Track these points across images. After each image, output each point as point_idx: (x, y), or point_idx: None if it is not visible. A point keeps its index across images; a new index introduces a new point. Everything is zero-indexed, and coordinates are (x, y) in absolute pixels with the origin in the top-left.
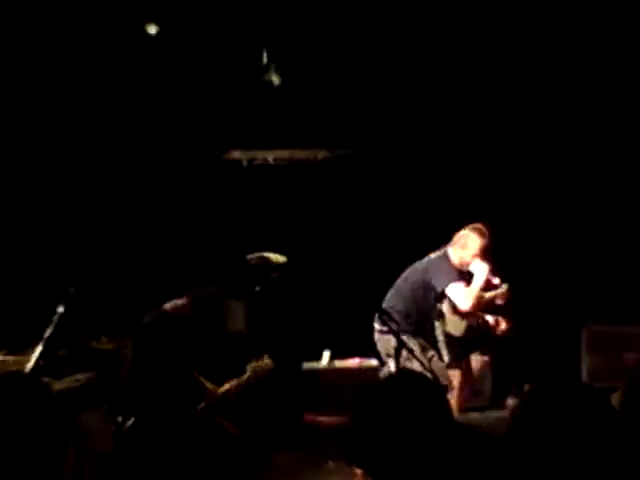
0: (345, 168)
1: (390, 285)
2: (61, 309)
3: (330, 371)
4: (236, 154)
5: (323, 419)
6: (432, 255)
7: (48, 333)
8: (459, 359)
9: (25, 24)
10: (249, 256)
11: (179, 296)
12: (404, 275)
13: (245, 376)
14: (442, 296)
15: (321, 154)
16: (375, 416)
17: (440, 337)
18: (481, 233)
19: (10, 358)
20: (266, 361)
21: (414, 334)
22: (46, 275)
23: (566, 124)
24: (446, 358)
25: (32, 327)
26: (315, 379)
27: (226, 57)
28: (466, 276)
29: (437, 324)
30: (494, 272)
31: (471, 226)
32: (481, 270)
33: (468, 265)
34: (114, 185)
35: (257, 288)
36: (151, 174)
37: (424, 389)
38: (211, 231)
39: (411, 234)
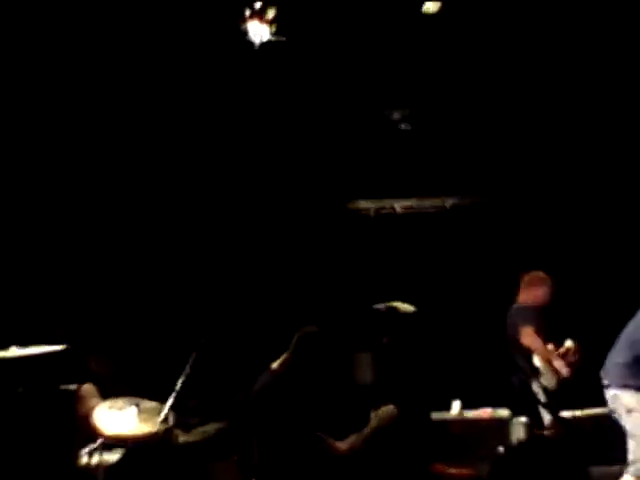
0: (473, 216)
1: None
2: (192, 360)
3: (460, 421)
4: (362, 204)
5: (452, 470)
6: None
7: (179, 384)
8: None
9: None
10: (377, 306)
11: None
12: None
13: (369, 427)
14: None
15: (449, 202)
16: None
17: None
18: None
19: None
20: (389, 407)
21: None
22: (178, 326)
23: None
24: (548, 418)
25: (165, 377)
26: (445, 429)
27: (353, 107)
28: None
29: (534, 382)
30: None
31: None
32: None
33: None
34: (240, 237)
35: (385, 339)
36: (278, 225)
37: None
38: (338, 282)
39: None
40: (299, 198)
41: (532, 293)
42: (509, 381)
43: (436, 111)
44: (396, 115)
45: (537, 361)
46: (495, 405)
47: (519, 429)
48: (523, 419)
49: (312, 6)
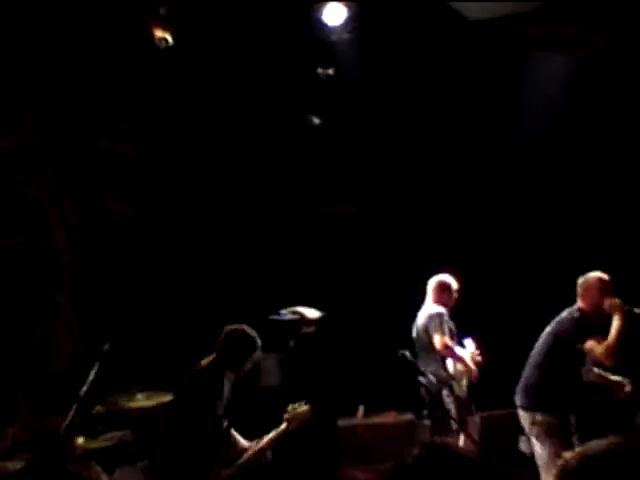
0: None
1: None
2: (96, 366)
3: (365, 425)
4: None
5: (359, 474)
6: None
7: (83, 391)
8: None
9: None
10: (282, 311)
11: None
12: None
13: (283, 426)
14: None
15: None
16: None
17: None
18: None
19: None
20: (304, 408)
21: None
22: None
23: None
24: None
25: (67, 385)
26: (351, 433)
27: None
28: None
29: (444, 391)
30: None
31: None
32: None
33: None
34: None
35: (291, 343)
36: (186, 226)
37: (461, 464)
38: (243, 286)
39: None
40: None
41: (441, 297)
42: (416, 385)
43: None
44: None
45: (450, 366)
46: (400, 409)
47: (424, 432)
48: (427, 422)
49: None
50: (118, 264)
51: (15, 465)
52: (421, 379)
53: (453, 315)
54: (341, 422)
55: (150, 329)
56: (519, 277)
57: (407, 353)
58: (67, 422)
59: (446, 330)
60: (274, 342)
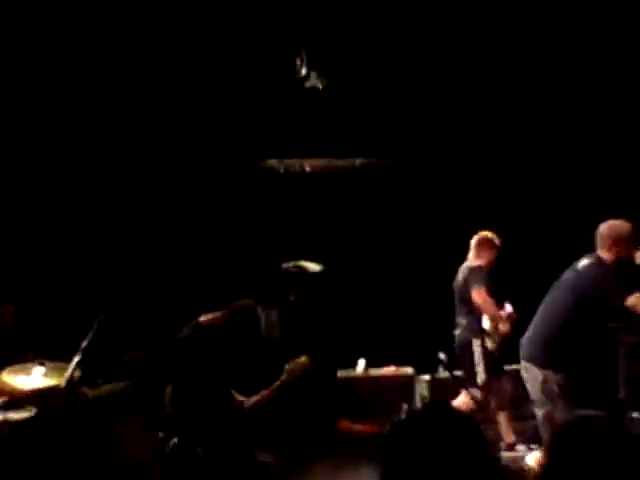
0: (382, 176)
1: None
2: (100, 319)
3: (365, 379)
4: (272, 162)
5: (357, 427)
6: None
7: (86, 343)
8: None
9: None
10: (284, 265)
11: (215, 306)
12: None
13: (282, 377)
14: None
15: (358, 162)
16: (409, 453)
17: (480, 357)
18: None
19: (50, 366)
20: (303, 359)
21: None
22: (85, 285)
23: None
24: (483, 378)
25: (71, 336)
26: (350, 387)
27: (265, 64)
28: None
29: (476, 343)
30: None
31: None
32: None
33: None
34: (148, 196)
35: (292, 297)
36: (185, 182)
37: (459, 424)
38: (246, 240)
39: (445, 244)
40: (207, 155)
41: (484, 254)
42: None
43: (348, 74)
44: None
45: (485, 322)
46: (399, 363)
47: (423, 387)
48: (427, 377)
49: None
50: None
51: (20, 415)
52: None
53: (492, 273)
54: (341, 374)
55: (152, 286)
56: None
57: (442, 356)
58: (70, 373)
59: (484, 284)
60: (275, 295)
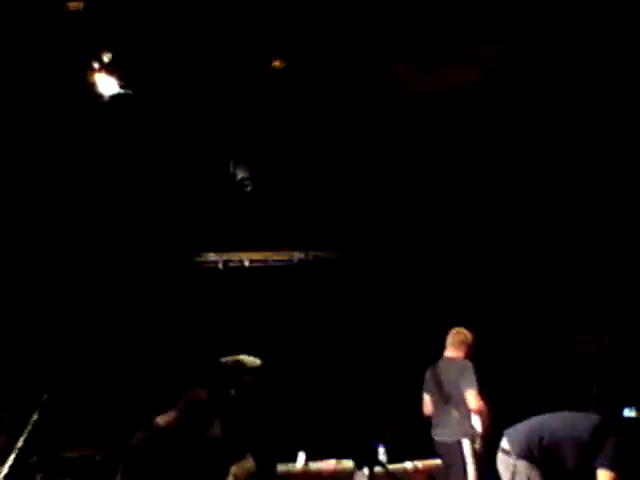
0: (321, 269)
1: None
2: (35, 417)
3: (305, 473)
4: (211, 256)
5: None
6: None
7: (21, 441)
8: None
9: None
10: (224, 359)
11: (156, 401)
12: None
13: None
14: None
15: (297, 256)
16: None
17: (471, 458)
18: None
19: None
20: (248, 462)
21: None
22: (18, 382)
23: None
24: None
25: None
26: None
27: (200, 161)
28: None
29: (466, 443)
30: None
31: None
32: None
33: None
34: (88, 292)
35: (232, 392)
36: (124, 277)
37: None
38: (185, 334)
39: (385, 336)
40: (147, 250)
41: (464, 349)
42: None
43: (281, 168)
44: (240, 174)
45: (476, 422)
46: (339, 457)
47: None
48: (366, 470)
49: (158, 60)
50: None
51: None
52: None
53: None
54: (281, 469)
55: (88, 381)
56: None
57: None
58: (6, 471)
59: (477, 385)
60: (215, 390)
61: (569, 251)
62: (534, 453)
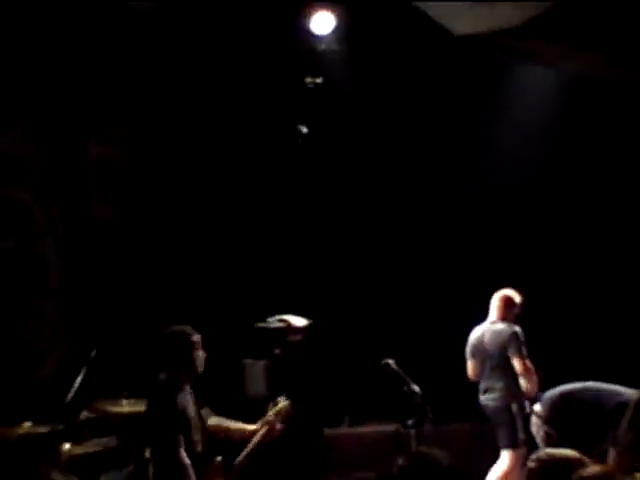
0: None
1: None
2: (83, 372)
3: (350, 435)
4: None
5: None
6: None
7: (70, 396)
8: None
9: None
10: (270, 319)
11: None
12: None
13: (265, 419)
14: None
15: None
16: None
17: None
18: None
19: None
20: (284, 404)
21: None
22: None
23: None
24: (522, 440)
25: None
26: (336, 443)
27: None
28: None
29: (515, 407)
30: None
31: None
32: None
33: None
34: (128, 249)
35: (277, 351)
36: (165, 236)
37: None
38: (231, 294)
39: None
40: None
41: (509, 313)
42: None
43: None
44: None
45: (522, 386)
46: (385, 419)
47: (409, 442)
48: (412, 432)
49: None
50: (105, 271)
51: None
52: (408, 387)
53: None
54: (326, 431)
55: (137, 336)
56: None
57: (390, 361)
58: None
59: (526, 352)
60: (261, 350)
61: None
62: (562, 419)
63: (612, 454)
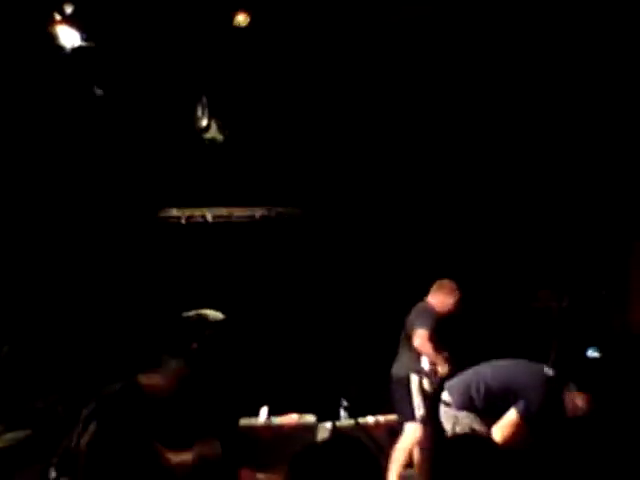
0: (283, 226)
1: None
2: None
3: (267, 427)
4: (173, 212)
5: (260, 476)
6: None
7: None
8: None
9: None
10: (186, 313)
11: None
12: None
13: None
14: None
15: (259, 212)
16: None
17: (417, 391)
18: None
19: None
20: (214, 444)
21: None
22: None
23: None
24: (420, 412)
25: None
26: (252, 435)
27: (165, 114)
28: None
29: (414, 378)
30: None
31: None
32: None
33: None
34: (50, 243)
35: (194, 345)
36: (87, 231)
37: (357, 453)
38: (148, 289)
39: (345, 292)
40: (110, 205)
41: (438, 297)
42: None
43: (245, 123)
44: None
45: (424, 362)
46: (301, 411)
47: (325, 434)
48: (328, 424)
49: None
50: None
51: None
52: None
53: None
54: (243, 423)
55: (51, 333)
56: None
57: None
58: None
59: (427, 326)
60: (178, 344)
61: (533, 209)
62: (474, 402)
63: None
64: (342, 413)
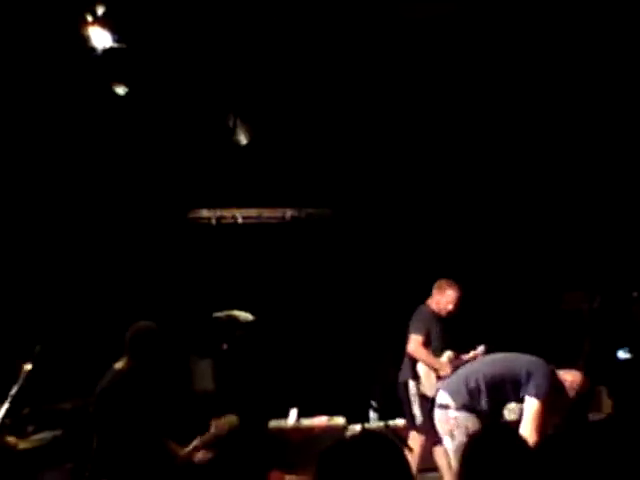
0: (314, 227)
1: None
2: (28, 367)
3: (297, 429)
4: (204, 212)
5: (289, 477)
6: None
7: (14, 391)
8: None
9: None
10: (217, 314)
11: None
12: None
13: (208, 433)
14: None
15: (289, 213)
16: (339, 476)
17: (415, 397)
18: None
19: None
20: (230, 418)
21: None
22: (12, 333)
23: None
24: (420, 419)
25: None
26: (282, 437)
27: (195, 117)
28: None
29: (412, 384)
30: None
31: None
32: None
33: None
34: (81, 244)
35: (224, 346)
36: (119, 233)
37: (386, 450)
38: (179, 289)
39: (376, 293)
40: (140, 206)
41: (436, 297)
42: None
43: (276, 124)
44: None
45: (420, 367)
46: (331, 413)
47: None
48: (358, 426)
49: (154, 12)
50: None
51: None
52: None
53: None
54: (273, 425)
55: (80, 332)
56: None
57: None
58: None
59: (420, 331)
60: (207, 345)
61: (565, 212)
62: (475, 399)
63: None
64: (372, 415)
